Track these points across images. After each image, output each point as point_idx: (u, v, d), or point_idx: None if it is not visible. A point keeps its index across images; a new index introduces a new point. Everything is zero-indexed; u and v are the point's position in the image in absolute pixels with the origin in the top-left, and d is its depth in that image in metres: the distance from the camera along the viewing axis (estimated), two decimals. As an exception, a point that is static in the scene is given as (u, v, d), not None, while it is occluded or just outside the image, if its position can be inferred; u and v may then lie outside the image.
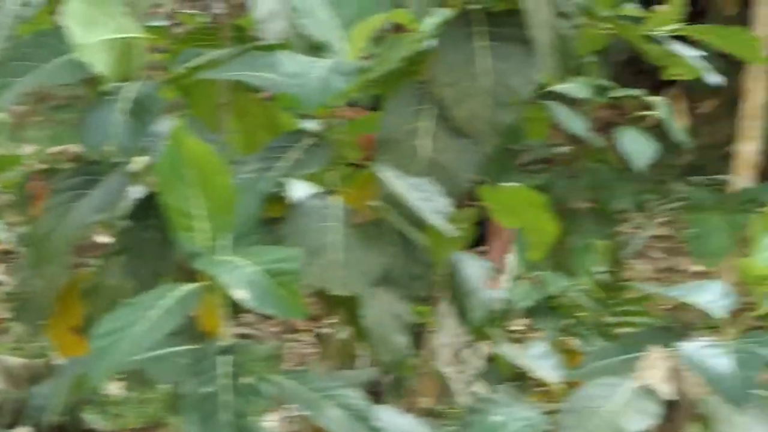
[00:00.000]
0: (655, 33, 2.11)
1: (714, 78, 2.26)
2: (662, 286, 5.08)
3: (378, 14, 1.75)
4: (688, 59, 2.14)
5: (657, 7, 2.11)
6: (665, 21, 2.09)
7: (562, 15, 1.91)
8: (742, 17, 7.70)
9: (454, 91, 1.88)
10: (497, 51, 1.89)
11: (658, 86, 8.51)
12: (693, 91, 8.05)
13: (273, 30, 1.97)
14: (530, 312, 4.60)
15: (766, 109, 6.34)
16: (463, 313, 2.48)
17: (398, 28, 1.98)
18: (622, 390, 2.11)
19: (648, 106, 4.21)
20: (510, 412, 2.13)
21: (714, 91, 8.23)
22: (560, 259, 4.83)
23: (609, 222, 4.69)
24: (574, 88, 4.01)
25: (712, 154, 8.19)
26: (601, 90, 4.09)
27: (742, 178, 6.16)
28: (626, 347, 2.23)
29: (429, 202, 1.86)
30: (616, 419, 2.06)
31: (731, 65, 6.87)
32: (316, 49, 1.79)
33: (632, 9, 2.20)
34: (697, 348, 2.01)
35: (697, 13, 8.18)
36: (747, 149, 6.17)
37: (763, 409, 2.04)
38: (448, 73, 1.88)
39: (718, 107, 8.38)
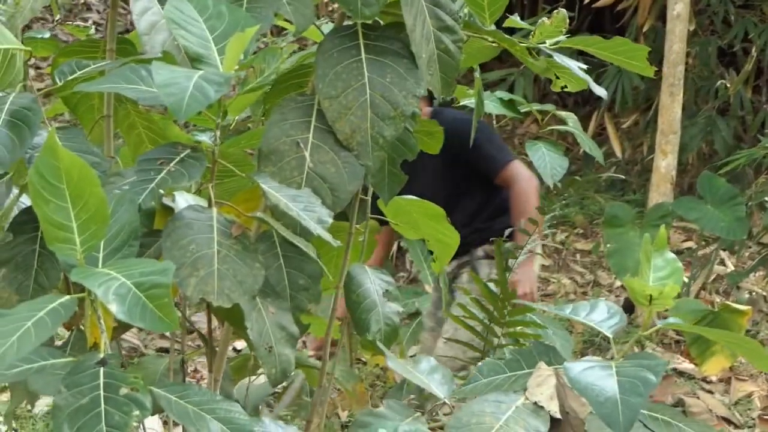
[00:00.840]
0: (541, 46, 2.11)
1: (599, 90, 2.26)
2: (583, 299, 5.13)
3: (252, 27, 1.72)
4: (573, 71, 2.14)
5: (543, 20, 2.11)
6: (551, 34, 2.09)
7: (445, 29, 1.90)
8: (657, 33, 7.81)
9: (335, 103, 1.85)
10: (378, 64, 1.86)
11: (586, 102, 8.59)
12: (621, 106, 8.20)
13: (156, 42, 1.94)
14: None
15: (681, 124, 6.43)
16: (358, 327, 2.47)
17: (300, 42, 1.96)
18: (509, 406, 2.10)
19: (562, 121, 4.21)
20: (394, 426, 2.12)
21: (638, 106, 8.33)
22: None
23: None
24: (487, 103, 4.01)
25: (634, 169, 8.27)
26: (511, 105, 4.10)
27: (659, 192, 6.23)
28: (514, 364, 2.22)
29: (311, 212, 1.84)
30: (504, 435, 2.05)
31: (653, 80, 6.95)
32: (194, 60, 1.76)
33: (517, 22, 2.19)
34: (582, 369, 2.00)
35: (618, 29, 8.27)
36: (664, 164, 6.24)
37: (646, 431, 2.04)
38: (330, 86, 1.86)
39: (638, 122, 8.46)
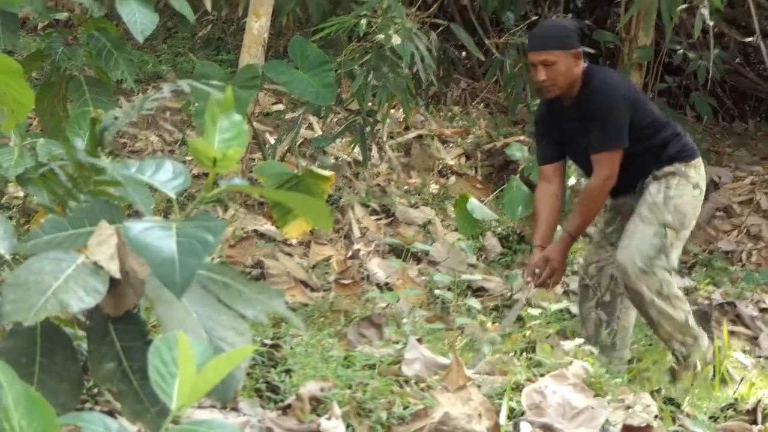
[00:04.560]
0: None
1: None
2: (171, 157, 5.07)
3: None
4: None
5: None
6: None
7: None
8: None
9: None
10: None
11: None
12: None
13: None
14: (21, 181, 4.42)
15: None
16: None
17: None
18: (69, 265, 2.03)
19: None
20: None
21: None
22: (56, 125, 4.67)
23: (107, 91, 4.55)
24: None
25: (230, 29, 8.23)
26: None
27: (250, 54, 6.22)
28: (77, 221, 2.14)
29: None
30: (61, 295, 1.97)
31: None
32: None
33: None
34: (142, 229, 1.95)
35: None
36: (256, 26, 6.22)
37: (205, 293, 2.03)
38: None
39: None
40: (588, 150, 4.83)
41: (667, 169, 4.89)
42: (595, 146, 4.80)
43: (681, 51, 9.24)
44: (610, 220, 5.16)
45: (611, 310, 5.08)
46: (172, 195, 2.07)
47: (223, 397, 1.89)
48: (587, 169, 4.99)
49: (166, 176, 2.11)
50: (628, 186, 4.93)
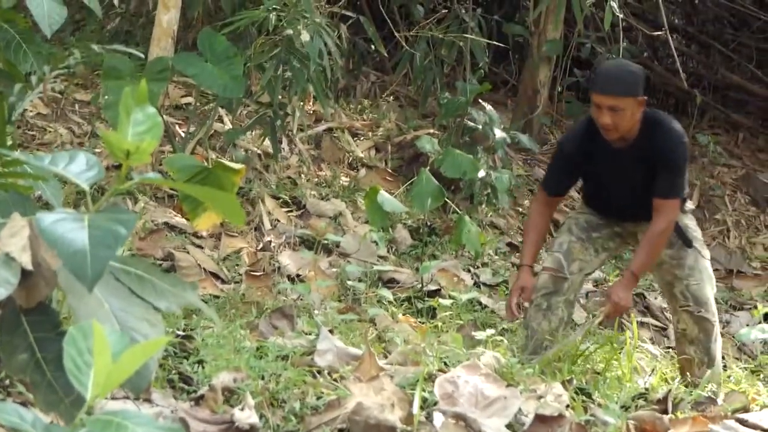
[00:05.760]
0: None
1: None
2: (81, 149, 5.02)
3: None
4: None
5: None
6: None
7: None
8: None
9: None
10: None
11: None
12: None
13: None
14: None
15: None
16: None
17: None
18: (-24, 257, 2.02)
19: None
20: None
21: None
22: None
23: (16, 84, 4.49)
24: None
25: (140, 21, 8.16)
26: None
27: (159, 47, 6.19)
28: (-13, 213, 2.13)
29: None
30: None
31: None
32: None
33: None
34: (53, 220, 1.94)
35: None
36: (166, 18, 6.19)
37: (117, 284, 2.03)
38: None
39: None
40: (653, 195, 4.94)
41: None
42: (662, 194, 4.92)
43: (589, 45, 9.36)
44: (601, 228, 5.23)
45: (571, 311, 5.14)
46: (86, 187, 2.07)
47: (137, 387, 1.90)
48: (625, 206, 5.10)
49: (79, 168, 2.11)
50: (643, 218, 5.05)
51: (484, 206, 7.54)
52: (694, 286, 5.07)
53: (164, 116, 6.46)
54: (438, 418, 3.27)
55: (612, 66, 5.16)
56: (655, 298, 7.29)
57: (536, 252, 5.21)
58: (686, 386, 4.82)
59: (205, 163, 4.66)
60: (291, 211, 6.76)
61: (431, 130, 7.99)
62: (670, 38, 8.64)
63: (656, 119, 4.96)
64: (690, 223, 5.18)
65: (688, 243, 5.07)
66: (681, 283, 5.10)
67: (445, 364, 3.91)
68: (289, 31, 6.12)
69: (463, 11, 8.30)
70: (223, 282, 5.67)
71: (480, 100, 7.72)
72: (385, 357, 3.96)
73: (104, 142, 2.04)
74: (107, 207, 2.02)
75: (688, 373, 5.10)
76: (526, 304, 5.08)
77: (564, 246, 5.16)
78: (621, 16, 7.78)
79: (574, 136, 5.17)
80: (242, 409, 2.99)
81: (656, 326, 6.99)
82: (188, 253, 5.71)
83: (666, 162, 4.87)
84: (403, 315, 5.42)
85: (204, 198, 2.25)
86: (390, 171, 7.74)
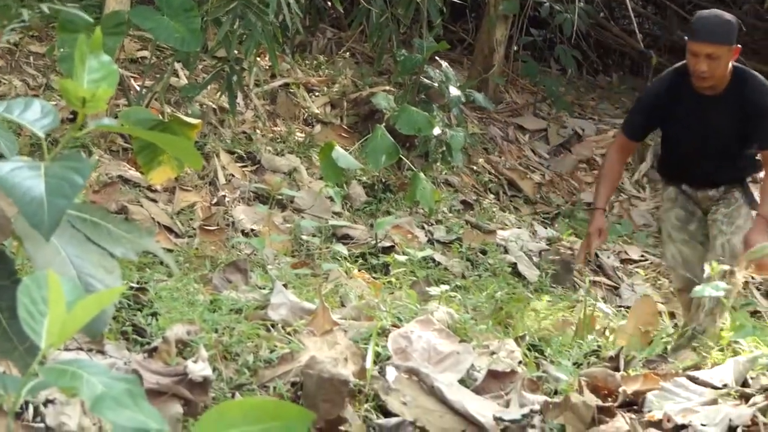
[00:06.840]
0: None
1: None
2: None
3: None
4: None
5: None
6: None
7: None
8: None
9: None
10: None
11: None
12: None
13: None
14: None
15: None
16: None
17: None
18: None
19: None
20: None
21: None
22: None
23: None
24: None
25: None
26: None
27: (116, 0, 6.13)
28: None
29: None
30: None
31: None
32: None
33: None
34: (10, 169, 1.93)
35: None
36: (121, -30, 6.13)
37: (74, 231, 2.03)
38: None
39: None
40: (760, 148, 5.07)
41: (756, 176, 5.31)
42: (766, 144, 5.06)
43: (547, 4, 9.37)
44: (688, 218, 5.30)
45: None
46: (41, 134, 2.06)
47: (94, 332, 1.90)
48: (705, 164, 5.15)
49: (34, 115, 2.10)
50: (719, 182, 5.16)
51: (438, 164, 7.56)
52: (735, 241, 5.14)
53: (120, 70, 6.41)
54: (391, 373, 3.30)
55: (709, 15, 5.24)
56: (608, 257, 7.35)
57: (610, 196, 5.41)
58: (683, 329, 4.91)
59: (161, 118, 4.63)
60: (246, 166, 6.75)
61: (387, 87, 7.98)
62: (626, -1, 8.67)
63: (747, 72, 5.12)
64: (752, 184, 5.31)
65: (753, 204, 5.17)
66: (724, 237, 5.16)
67: (399, 319, 3.94)
68: (246, -15, 6.08)
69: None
70: (177, 236, 5.66)
71: (436, 58, 7.72)
72: (339, 312, 3.98)
73: (61, 89, 2.03)
74: (63, 156, 2.01)
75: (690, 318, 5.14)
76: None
77: (677, 257, 5.31)
78: (578, -24, 7.79)
79: (661, 82, 5.30)
80: (195, 362, 3.00)
81: (608, 285, 7.05)
82: (142, 206, 5.69)
83: (763, 112, 5.00)
84: (358, 271, 5.43)
85: (161, 143, 2.24)
86: (345, 127, 7.74)
